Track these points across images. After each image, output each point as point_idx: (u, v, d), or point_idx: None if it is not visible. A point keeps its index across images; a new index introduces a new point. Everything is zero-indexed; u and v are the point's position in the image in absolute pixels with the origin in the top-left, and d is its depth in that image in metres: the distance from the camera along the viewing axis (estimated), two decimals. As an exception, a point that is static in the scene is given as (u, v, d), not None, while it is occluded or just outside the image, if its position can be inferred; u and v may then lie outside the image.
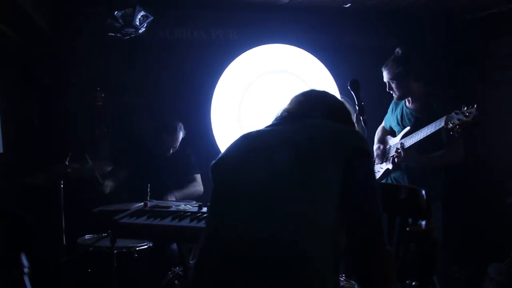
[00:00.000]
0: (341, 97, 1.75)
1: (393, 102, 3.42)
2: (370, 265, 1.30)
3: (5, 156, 3.41)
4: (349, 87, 2.55)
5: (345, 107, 1.66)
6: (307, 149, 1.36)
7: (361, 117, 2.55)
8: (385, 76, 3.20)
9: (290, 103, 1.63)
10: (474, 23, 4.34)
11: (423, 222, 2.12)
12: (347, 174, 1.31)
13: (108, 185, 3.54)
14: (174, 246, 3.22)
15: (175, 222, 2.31)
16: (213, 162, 1.50)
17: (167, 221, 2.32)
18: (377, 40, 4.38)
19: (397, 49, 3.21)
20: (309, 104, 1.61)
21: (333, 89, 4.34)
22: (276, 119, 1.60)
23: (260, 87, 4.33)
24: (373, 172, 1.40)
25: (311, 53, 4.36)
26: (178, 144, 3.77)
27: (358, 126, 2.54)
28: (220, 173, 1.48)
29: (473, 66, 4.35)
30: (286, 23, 4.27)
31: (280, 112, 1.62)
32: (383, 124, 3.56)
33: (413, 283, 2.11)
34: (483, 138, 4.04)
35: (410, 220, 2.21)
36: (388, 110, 3.49)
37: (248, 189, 1.36)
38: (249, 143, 1.51)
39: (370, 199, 1.32)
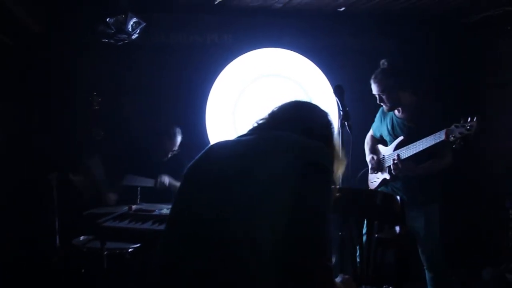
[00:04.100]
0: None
1: (380, 111, 3.41)
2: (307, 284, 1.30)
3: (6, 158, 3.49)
4: (333, 93, 2.58)
5: (319, 123, 1.65)
6: (262, 161, 1.39)
7: (345, 123, 2.57)
8: (375, 89, 3.19)
9: (265, 115, 1.66)
10: (469, 26, 4.32)
11: (397, 228, 2.16)
12: (299, 187, 1.33)
13: (112, 198, 3.59)
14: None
15: (155, 226, 2.37)
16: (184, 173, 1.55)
17: (147, 225, 2.39)
18: (372, 43, 4.39)
19: (383, 61, 3.20)
20: (282, 116, 1.63)
21: (327, 92, 4.35)
22: (249, 130, 1.63)
23: (255, 91, 4.35)
24: (325, 188, 1.39)
25: (305, 57, 4.37)
26: (177, 148, 3.82)
27: (342, 131, 2.56)
28: (187, 181, 1.52)
29: (470, 70, 4.33)
30: (280, 27, 4.30)
31: (254, 123, 1.65)
32: (371, 132, 3.54)
33: (389, 288, 2.14)
34: (483, 141, 4.02)
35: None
36: (376, 119, 3.48)
37: (210, 198, 1.40)
38: (215, 154, 1.54)
39: (315, 213, 1.33)
